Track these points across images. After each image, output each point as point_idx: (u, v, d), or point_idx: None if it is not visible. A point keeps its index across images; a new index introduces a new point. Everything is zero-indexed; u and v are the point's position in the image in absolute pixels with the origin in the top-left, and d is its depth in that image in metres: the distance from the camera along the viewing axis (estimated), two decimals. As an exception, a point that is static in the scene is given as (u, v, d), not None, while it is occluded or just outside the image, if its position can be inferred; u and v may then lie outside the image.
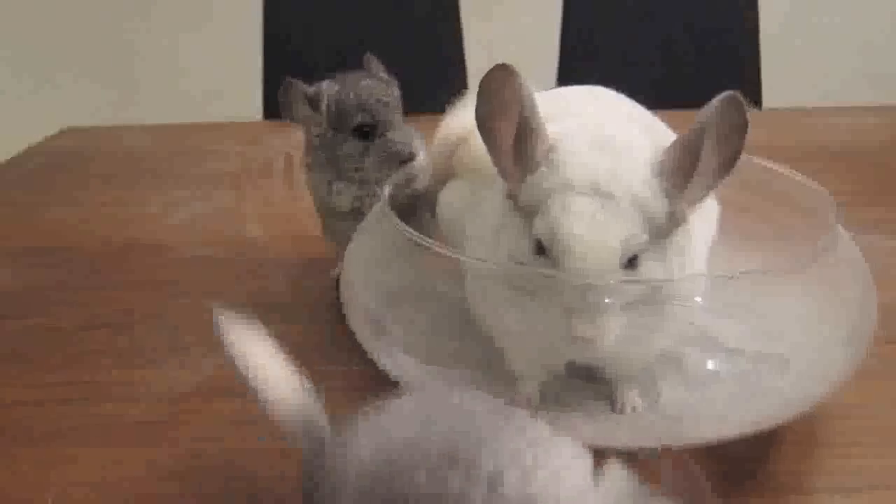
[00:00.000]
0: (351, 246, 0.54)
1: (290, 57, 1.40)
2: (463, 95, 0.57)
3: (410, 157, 0.60)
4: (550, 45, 1.43)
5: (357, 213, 0.61)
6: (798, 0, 1.96)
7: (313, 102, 0.61)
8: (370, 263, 0.52)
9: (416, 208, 0.60)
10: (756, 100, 1.41)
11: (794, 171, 0.57)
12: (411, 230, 0.46)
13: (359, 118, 0.60)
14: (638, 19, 1.42)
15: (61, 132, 1.27)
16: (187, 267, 0.78)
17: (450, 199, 0.55)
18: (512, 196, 0.44)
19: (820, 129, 1.22)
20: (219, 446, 0.52)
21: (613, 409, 0.49)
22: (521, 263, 0.43)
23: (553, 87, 1.36)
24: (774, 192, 0.58)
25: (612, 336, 0.41)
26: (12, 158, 1.15)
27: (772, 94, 1.43)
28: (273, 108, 1.32)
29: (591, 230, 0.40)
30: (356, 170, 0.62)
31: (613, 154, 0.42)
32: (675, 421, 0.48)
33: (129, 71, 2.02)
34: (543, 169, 0.43)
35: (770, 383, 0.48)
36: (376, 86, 0.62)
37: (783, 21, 1.77)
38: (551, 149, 0.43)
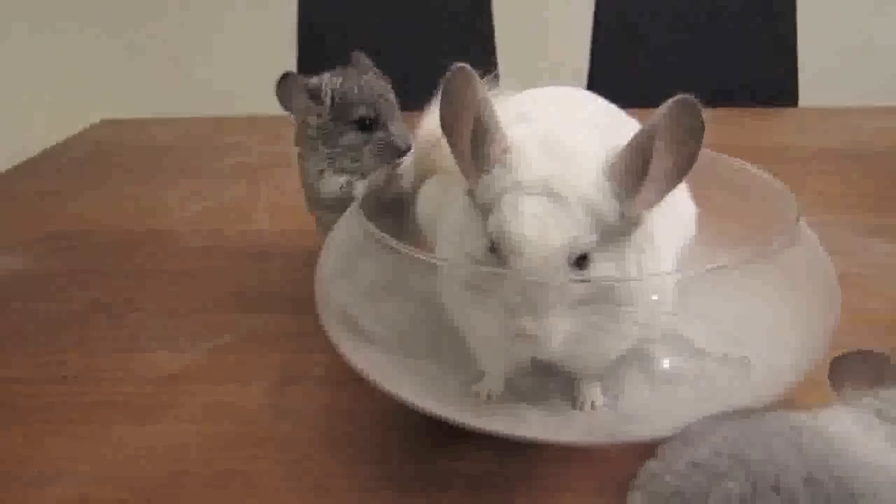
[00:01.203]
0: (326, 242, 0.56)
1: (324, 52, 1.43)
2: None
3: (407, 150, 0.63)
4: (583, 41, 1.42)
5: (343, 204, 0.63)
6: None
7: (314, 94, 0.64)
8: (343, 260, 0.53)
9: (403, 206, 0.61)
10: (792, 98, 1.38)
11: (763, 170, 0.57)
12: (376, 230, 0.48)
13: (361, 111, 0.63)
14: (669, 13, 1.41)
15: (95, 125, 1.32)
16: (194, 257, 0.82)
17: (425, 198, 0.56)
18: (471, 195, 0.45)
19: (847, 129, 1.19)
20: (198, 429, 0.54)
21: (574, 406, 0.50)
22: (479, 261, 0.44)
23: (585, 82, 1.36)
24: (755, 193, 0.58)
25: (556, 334, 0.41)
26: (46, 150, 1.21)
27: (809, 92, 1.39)
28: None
29: (538, 230, 0.41)
30: (353, 160, 0.64)
31: (565, 156, 0.43)
32: (634, 419, 0.49)
33: (167, 64, 2.08)
34: (497, 169, 0.43)
35: (731, 384, 0.49)
36: (378, 82, 0.65)
37: (824, 13, 1.72)
38: (506, 150, 0.44)
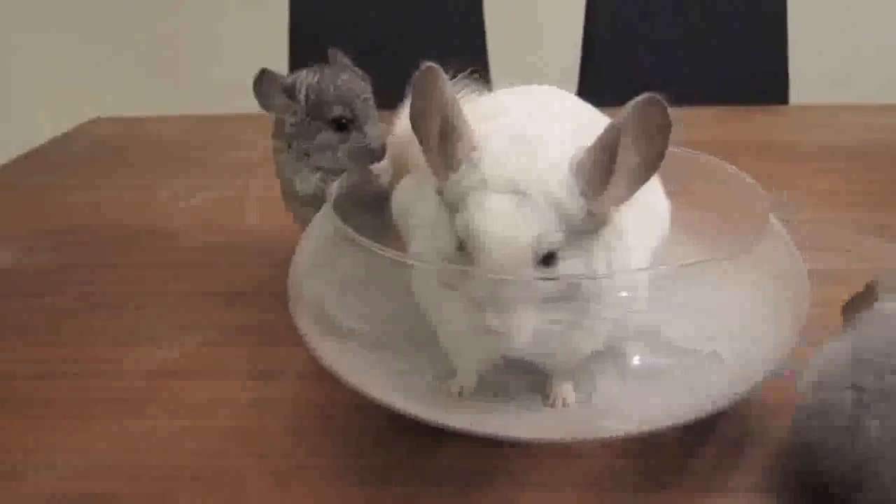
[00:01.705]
0: (300, 241, 0.56)
1: (316, 50, 1.43)
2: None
3: (381, 156, 0.62)
4: (573, 43, 1.43)
5: (319, 200, 0.63)
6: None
7: (289, 91, 0.64)
8: (316, 258, 0.54)
9: (383, 202, 0.62)
10: (783, 97, 1.39)
11: (736, 168, 0.57)
12: (348, 228, 0.48)
13: (337, 110, 0.62)
14: (661, 12, 1.41)
15: (91, 121, 1.33)
16: (187, 253, 0.82)
17: (400, 194, 0.57)
18: (440, 193, 0.46)
19: (842, 126, 1.19)
20: (179, 424, 0.55)
21: (545, 402, 0.50)
22: (448, 258, 0.45)
23: (576, 82, 1.37)
24: (730, 189, 0.58)
25: (522, 331, 0.42)
26: (41, 146, 1.22)
27: (800, 90, 1.40)
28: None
29: (504, 227, 0.41)
30: (328, 159, 0.64)
31: (532, 153, 0.43)
32: (604, 414, 0.49)
33: (166, 61, 2.08)
34: (464, 167, 0.44)
35: (703, 378, 0.49)
36: (356, 81, 0.64)
37: (813, 12, 1.72)
38: (474, 148, 0.44)
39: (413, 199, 0.53)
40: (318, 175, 0.65)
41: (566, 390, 0.50)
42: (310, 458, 0.51)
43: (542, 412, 0.50)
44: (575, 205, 0.43)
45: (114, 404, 0.58)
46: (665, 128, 0.42)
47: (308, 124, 0.64)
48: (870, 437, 0.39)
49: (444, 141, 0.44)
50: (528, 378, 0.52)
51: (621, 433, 0.47)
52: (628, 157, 0.42)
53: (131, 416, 0.56)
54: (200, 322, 0.68)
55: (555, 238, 0.42)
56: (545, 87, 0.56)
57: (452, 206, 0.44)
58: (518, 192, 0.42)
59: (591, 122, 0.53)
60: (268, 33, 1.56)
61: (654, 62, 1.41)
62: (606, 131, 0.42)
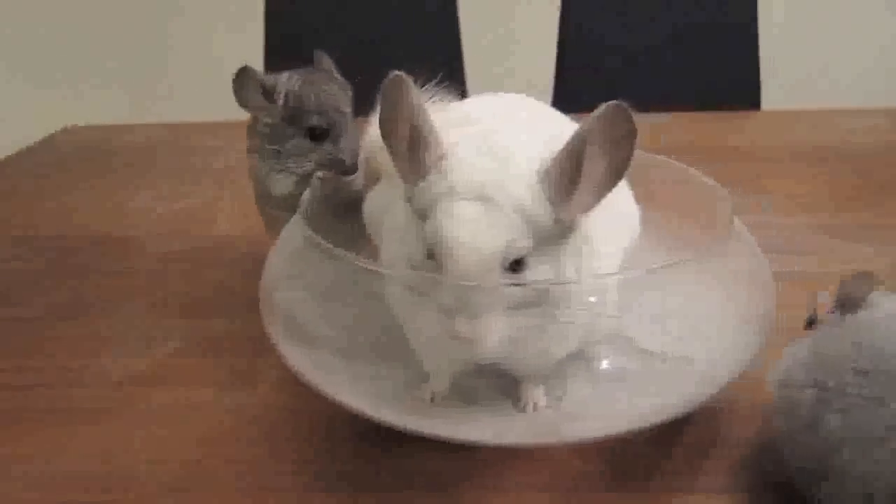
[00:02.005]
0: (271, 250, 0.56)
1: (290, 58, 1.43)
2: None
3: (353, 170, 0.62)
4: (548, 50, 1.44)
5: (293, 203, 0.63)
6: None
7: (268, 93, 0.63)
8: (287, 267, 0.54)
9: (355, 208, 0.62)
10: (754, 101, 1.41)
11: (698, 172, 0.58)
12: (316, 236, 0.48)
13: (314, 120, 0.62)
14: (634, 19, 1.42)
15: (63, 130, 1.32)
16: (156, 260, 0.82)
17: (371, 201, 0.57)
18: (409, 200, 0.46)
19: (815, 130, 1.21)
20: (151, 431, 0.55)
21: (516, 407, 0.51)
22: (417, 265, 0.45)
23: (550, 89, 1.38)
24: (698, 195, 0.59)
25: (492, 336, 0.42)
26: (13, 154, 1.21)
27: (771, 95, 1.42)
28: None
29: (472, 235, 0.42)
30: (298, 164, 0.64)
31: (500, 161, 0.44)
32: (575, 418, 0.50)
33: (141, 70, 2.07)
34: (433, 175, 0.44)
35: (673, 381, 0.50)
36: (338, 93, 0.64)
37: (782, 21, 1.75)
38: (442, 156, 0.44)
39: (384, 206, 0.54)
40: (293, 178, 0.64)
41: (537, 395, 0.50)
42: (283, 465, 0.51)
43: (513, 417, 0.50)
44: (542, 212, 0.43)
45: (84, 413, 0.57)
46: (630, 134, 0.42)
47: (283, 128, 0.63)
48: (831, 430, 0.40)
49: (412, 149, 0.45)
50: (499, 383, 0.52)
51: (591, 437, 0.48)
52: (595, 165, 0.43)
53: (102, 425, 0.56)
54: (171, 330, 0.68)
55: (523, 245, 0.43)
56: (514, 95, 0.56)
57: (421, 213, 0.45)
58: (486, 199, 0.42)
59: (560, 129, 0.53)
60: (242, 41, 1.55)
61: (627, 69, 1.42)
62: (572, 139, 0.43)
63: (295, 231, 0.53)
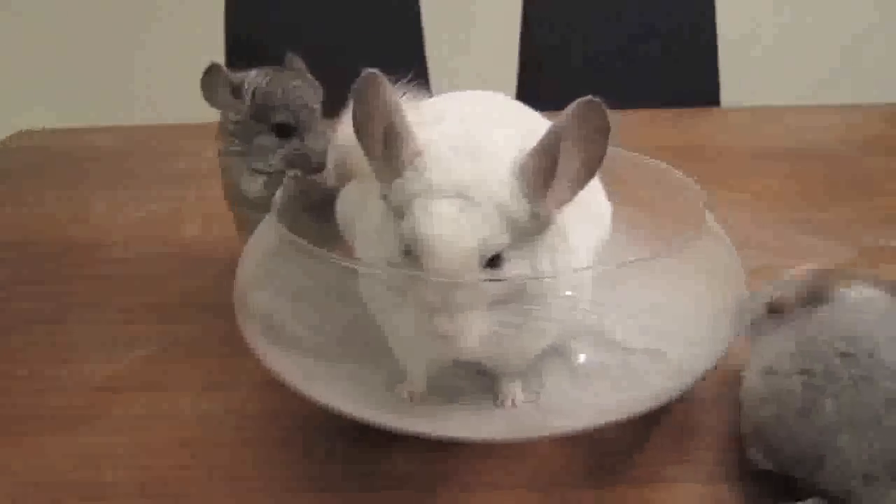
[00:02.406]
0: (245, 249, 0.56)
1: (252, 58, 1.41)
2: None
3: (319, 168, 0.62)
4: (511, 50, 1.45)
5: (265, 204, 0.63)
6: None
7: (236, 90, 0.63)
8: (262, 266, 0.54)
9: (328, 207, 0.61)
10: (714, 99, 1.43)
11: (672, 168, 0.59)
12: (293, 235, 0.48)
13: (281, 116, 0.62)
14: (596, 22, 1.44)
15: (16, 134, 1.29)
16: (125, 265, 0.80)
17: (344, 200, 0.57)
18: (384, 198, 0.46)
19: (775, 128, 1.24)
20: (129, 438, 0.54)
21: (494, 402, 0.51)
22: (395, 264, 0.45)
23: (514, 88, 1.38)
24: (669, 190, 0.60)
25: (472, 333, 0.42)
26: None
27: (731, 93, 1.44)
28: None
29: (451, 231, 0.42)
30: (264, 162, 0.63)
31: (476, 158, 0.44)
32: (553, 413, 0.50)
33: (92, 72, 2.03)
34: (409, 173, 0.44)
35: (648, 374, 0.50)
36: (305, 90, 0.64)
37: (741, 21, 1.78)
38: (418, 153, 0.45)
39: (358, 205, 0.53)
40: (263, 178, 0.64)
41: (515, 390, 0.51)
42: (262, 468, 0.51)
43: (492, 413, 0.50)
44: (519, 208, 0.43)
45: (55, 421, 0.56)
46: (604, 129, 0.43)
47: (249, 125, 0.63)
48: (826, 415, 0.42)
49: (388, 147, 0.45)
50: (477, 380, 0.52)
51: (571, 430, 0.48)
52: (569, 160, 0.43)
53: (74, 433, 0.55)
54: (142, 336, 0.67)
55: (500, 241, 0.43)
56: (488, 92, 0.57)
57: (398, 211, 0.45)
58: (463, 196, 0.43)
59: (534, 126, 0.54)
60: (203, 41, 1.53)
61: (588, 67, 1.43)
62: (547, 135, 0.43)
63: (268, 231, 0.53)
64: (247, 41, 1.42)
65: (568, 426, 0.48)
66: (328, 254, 0.46)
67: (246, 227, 0.65)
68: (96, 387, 0.60)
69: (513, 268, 0.44)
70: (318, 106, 0.64)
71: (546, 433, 0.50)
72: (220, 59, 1.39)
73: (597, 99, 0.42)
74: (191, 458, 0.52)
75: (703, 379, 0.49)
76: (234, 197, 0.68)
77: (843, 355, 0.42)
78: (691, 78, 1.44)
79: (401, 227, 0.44)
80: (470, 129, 0.47)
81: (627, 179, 0.59)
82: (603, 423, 0.47)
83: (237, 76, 0.63)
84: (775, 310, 0.48)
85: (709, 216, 0.52)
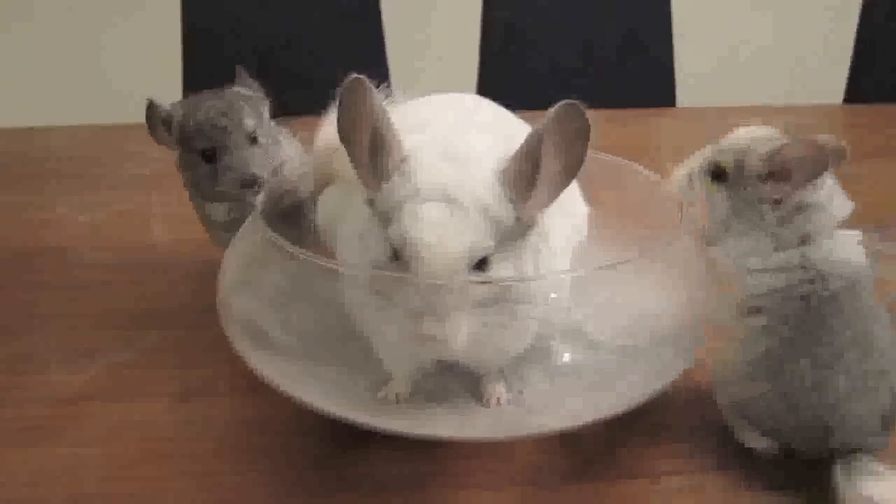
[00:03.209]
0: (227, 252, 0.55)
1: (209, 56, 1.39)
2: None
3: (252, 181, 0.60)
4: (471, 46, 1.45)
5: (236, 224, 0.61)
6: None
7: (167, 124, 0.62)
8: (244, 269, 0.53)
9: (300, 214, 0.61)
10: (669, 100, 1.46)
11: (651, 171, 0.61)
12: (279, 237, 0.48)
13: (201, 143, 0.60)
14: (556, 20, 1.46)
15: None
16: (90, 270, 0.78)
17: (325, 205, 0.57)
18: (370, 203, 0.46)
19: (728, 128, 1.26)
20: (97, 451, 0.53)
21: (480, 403, 0.52)
22: (381, 267, 0.45)
23: (474, 87, 1.39)
24: (642, 192, 0.61)
25: (460, 335, 0.43)
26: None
27: (687, 93, 1.47)
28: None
29: (438, 236, 0.42)
30: (212, 190, 0.62)
31: (461, 163, 0.45)
32: (536, 412, 0.51)
33: (47, 70, 1.98)
34: (396, 178, 0.45)
35: (625, 373, 0.52)
36: (218, 111, 0.61)
37: (697, 21, 1.82)
38: (404, 159, 0.45)
39: (340, 210, 0.53)
40: (223, 204, 0.64)
41: (499, 390, 0.52)
42: (246, 474, 0.51)
43: (477, 413, 0.51)
44: (504, 211, 0.44)
45: (21, 433, 0.55)
46: (584, 132, 0.44)
47: (186, 157, 0.62)
48: (838, 387, 0.46)
49: (374, 152, 0.45)
50: (459, 381, 0.53)
51: (553, 429, 0.49)
52: (551, 162, 0.44)
53: (42, 445, 0.54)
54: (109, 343, 0.65)
55: (487, 244, 0.44)
56: (465, 95, 0.57)
57: (384, 216, 0.45)
58: (450, 201, 0.43)
59: (512, 128, 0.55)
60: (160, 37, 1.51)
61: (547, 69, 1.45)
62: (529, 138, 0.44)
63: (253, 235, 0.52)
64: (204, 36, 1.40)
65: (551, 425, 0.49)
66: (316, 257, 0.46)
67: (224, 247, 0.65)
68: (66, 397, 0.58)
69: (497, 270, 0.45)
70: (230, 123, 0.60)
71: (529, 432, 0.51)
72: (177, 53, 1.37)
73: (576, 102, 0.43)
74: (167, 467, 0.51)
75: (680, 374, 0.51)
76: (206, 221, 0.67)
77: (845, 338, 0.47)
78: (648, 79, 1.46)
79: (388, 231, 0.44)
80: (452, 133, 0.48)
81: (594, 179, 0.60)
82: (586, 421, 0.48)
83: (167, 110, 0.62)
84: (718, 175, 0.51)
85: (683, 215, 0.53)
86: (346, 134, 0.46)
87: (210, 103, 0.61)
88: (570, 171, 0.45)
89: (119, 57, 1.95)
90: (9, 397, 0.59)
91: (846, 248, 0.48)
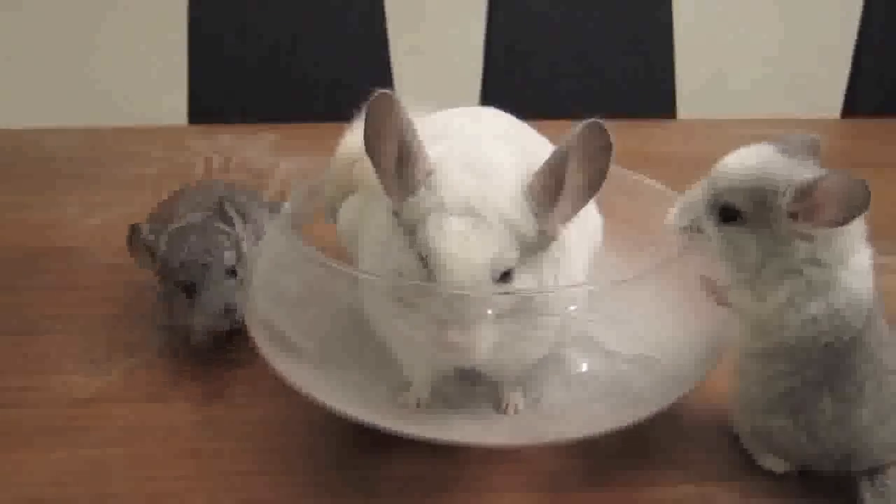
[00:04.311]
0: (253, 257, 0.56)
1: (216, 58, 1.40)
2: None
3: (231, 310, 0.60)
4: (475, 55, 1.47)
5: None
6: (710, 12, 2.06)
7: (149, 252, 0.64)
8: (269, 274, 0.55)
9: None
10: (669, 110, 1.48)
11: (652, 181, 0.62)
12: (306, 245, 0.49)
13: (180, 277, 0.61)
14: (558, 32, 1.47)
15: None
16: (99, 272, 0.79)
17: (347, 213, 0.58)
18: (396, 213, 0.47)
19: (730, 140, 1.28)
20: (121, 451, 0.54)
21: (497, 410, 0.53)
22: (403, 276, 0.47)
23: (478, 96, 1.40)
24: (653, 203, 0.62)
25: (484, 344, 0.44)
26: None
27: (686, 104, 1.49)
28: (198, 111, 1.33)
29: (463, 249, 0.44)
30: (182, 320, 0.62)
31: (485, 176, 0.46)
32: (554, 420, 0.52)
33: (46, 72, 1.98)
34: (422, 190, 0.46)
35: (641, 383, 0.53)
36: (200, 246, 0.62)
37: (698, 30, 1.84)
38: (430, 171, 0.46)
39: (361, 218, 0.55)
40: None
41: (516, 397, 0.53)
42: (270, 475, 0.52)
43: (495, 419, 0.52)
44: (528, 225, 0.45)
45: (42, 434, 0.55)
46: (606, 148, 0.45)
47: (167, 286, 0.63)
48: (861, 418, 0.47)
49: (401, 165, 0.46)
50: (476, 388, 0.54)
51: (573, 437, 0.50)
52: (574, 178, 0.46)
53: (64, 446, 0.54)
54: (124, 345, 0.66)
55: (510, 256, 0.45)
56: (484, 108, 0.59)
57: (410, 226, 0.46)
58: (475, 214, 0.44)
59: (530, 141, 0.56)
60: (167, 38, 1.51)
61: (548, 77, 1.47)
62: (554, 155, 0.45)
63: (275, 240, 0.54)
64: (211, 38, 1.41)
65: (568, 432, 0.51)
66: (342, 264, 0.47)
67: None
68: (83, 399, 0.59)
69: (520, 281, 0.46)
70: (213, 260, 0.61)
71: (546, 439, 0.52)
72: (184, 57, 1.38)
73: (600, 121, 0.45)
74: (187, 468, 0.52)
75: (694, 386, 0.52)
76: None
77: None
78: (648, 89, 1.48)
79: (416, 243, 0.45)
80: (476, 146, 0.49)
81: (611, 191, 0.62)
82: (602, 430, 0.50)
83: (150, 239, 0.63)
84: (730, 217, 0.48)
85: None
86: (372, 146, 0.47)
87: (193, 238, 0.62)
88: (593, 185, 0.46)
89: (123, 59, 1.96)
90: (26, 399, 0.59)
91: (861, 279, 0.47)
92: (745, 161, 0.48)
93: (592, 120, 0.45)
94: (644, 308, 0.55)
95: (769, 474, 0.52)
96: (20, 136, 1.25)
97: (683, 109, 1.49)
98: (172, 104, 1.35)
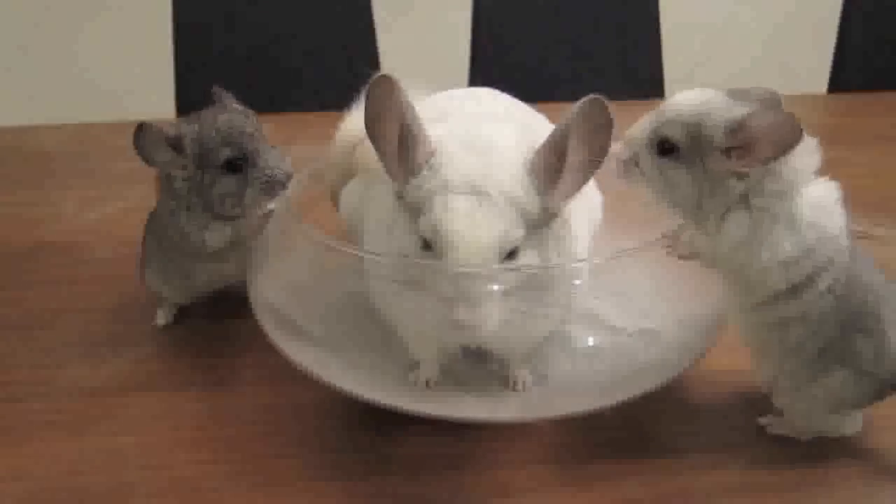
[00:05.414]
0: (258, 242, 0.57)
1: (202, 52, 1.39)
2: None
3: (289, 179, 0.58)
4: (462, 43, 1.47)
5: (232, 248, 0.60)
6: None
7: (176, 145, 0.57)
8: (275, 258, 0.55)
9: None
10: (658, 92, 1.49)
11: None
12: (312, 228, 0.49)
13: (227, 153, 0.57)
14: (545, 17, 1.48)
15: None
16: (97, 266, 0.79)
17: (349, 197, 0.58)
18: (399, 195, 0.48)
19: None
20: (132, 440, 0.54)
21: (506, 386, 0.53)
22: (408, 257, 0.47)
23: (465, 82, 1.40)
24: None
25: (491, 321, 0.45)
26: None
27: (675, 85, 1.50)
28: (186, 104, 1.32)
29: (470, 227, 0.44)
30: (233, 206, 0.58)
31: (488, 155, 0.46)
32: (561, 395, 0.53)
33: (33, 68, 1.96)
34: (425, 171, 0.46)
35: (645, 356, 0.54)
36: (236, 118, 0.58)
37: (684, 12, 1.85)
38: (432, 152, 0.47)
39: (364, 202, 0.55)
40: (228, 229, 0.59)
41: (524, 374, 0.54)
42: (280, 459, 0.52)
43: (504, 396, 0.53)
44: (532, 202, 0.46)
45: (52, 426, 0.56)
46: (607, 125, 0.46)
47: (201, 176, 0.58)
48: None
49: (402, 147, 0.46)
50: (484, 366, 0.55)
51: (579, 410, 0.51)
52: (576, 155, 0.46)
53: (75, 437, 0.55)
54: (128, 336, 0.66)
55: (517, 234, 0.45)
56: (481, 88, 0.59)
57: (414, 208, 0.47)
58: (480, 193, 0.45)
59: (529, 120, 0.57)
60: (151, 35, 1.50)
61: (538, 64, 1.47)
62: (555, 132, 0.46)
63: (280, 223, 0.54)
64: (195, 33, 1.40)
65: (576, 406, 0.51)
66: (349, 246, 0.48)
67: (210, 278, 0.64)
68: (94, 389, 0.59)
69: (524, 258, 0.47)
70: (255, 129, 0.58)
71: (554, 414, 0.53)
72: (170, 50, 1.37)
73: (600, 97, 0.45)
74: (201, 454, 0.53)
75: (703, 356, 0.53)
76: (196, 252, 0.62)
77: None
78: (635, 72, 1.49)
79: (419, 224, 0.46)
80: (476, 126, 0.50)
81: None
82: (610, 402, 0.50)
83: (171, 131, 0.58)
84: (666, 150, 0.47)
85: None
86: (373, 129, 0.47)
87: (224, 116, 0.58)
88: (594, 162, 0.47)
89: (109, 55, 1.94)
90: (34, 391, 0.60)
91: (827, 214, 0.46)
92: (689, 98, 0.48)
93: (593, 96, 0.45)
94: (646, 283, 0.55)
95: (775, 441, 0.52)
96: (13, 132, 1.25)
97: (673, 90, 1.49)
98: (160, 97, 1.35)
